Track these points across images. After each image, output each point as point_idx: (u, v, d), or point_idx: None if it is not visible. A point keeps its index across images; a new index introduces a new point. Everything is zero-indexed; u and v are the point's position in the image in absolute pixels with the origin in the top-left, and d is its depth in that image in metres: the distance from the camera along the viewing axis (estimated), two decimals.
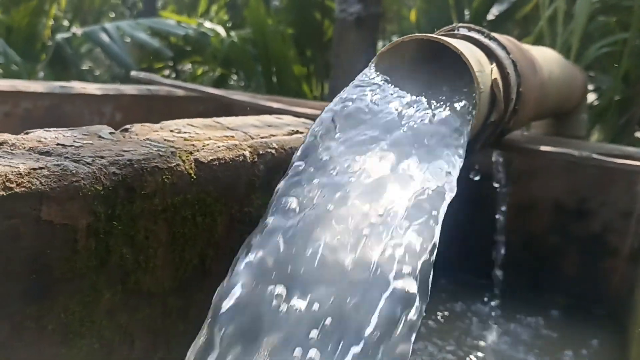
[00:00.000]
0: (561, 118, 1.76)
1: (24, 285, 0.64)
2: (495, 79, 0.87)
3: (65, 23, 4.02)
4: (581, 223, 1.62)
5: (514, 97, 0.97)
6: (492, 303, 1.49)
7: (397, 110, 0.79)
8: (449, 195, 0.64)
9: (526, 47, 1.24)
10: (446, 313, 1.50)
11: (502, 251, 1.38)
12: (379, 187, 0.66)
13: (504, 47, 0.96)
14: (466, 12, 3.12)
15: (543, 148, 1.20)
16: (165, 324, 0.82)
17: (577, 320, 1.53)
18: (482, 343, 1.37)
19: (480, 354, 1.32)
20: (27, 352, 0.65)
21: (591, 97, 2.73)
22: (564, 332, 1.46)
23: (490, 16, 3.16)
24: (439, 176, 0.66)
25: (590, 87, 2.67)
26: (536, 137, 1.64)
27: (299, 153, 0.75)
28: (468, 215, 1.52)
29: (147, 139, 0.82)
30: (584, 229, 1.61)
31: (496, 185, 1.28)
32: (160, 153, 0.77)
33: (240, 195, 0.88)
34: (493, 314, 1.50)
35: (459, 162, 0.69)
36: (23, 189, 0.62)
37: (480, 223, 1.51)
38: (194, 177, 0.80)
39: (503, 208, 1.32)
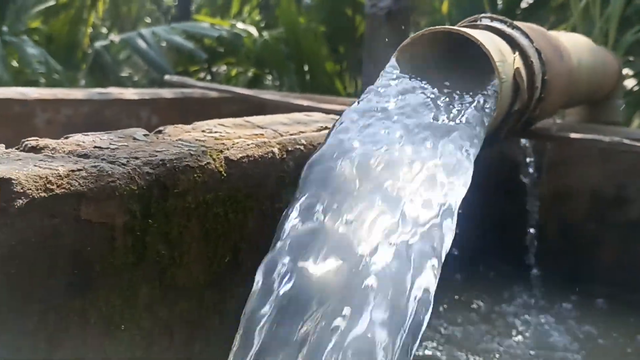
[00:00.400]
0: (596, 104, 1.74)
1: (68, 280, 0.68)
2: (518, 68, 0.87)
3: (104, 30, 4.13)
4: (620, 210, 1.60)
5: (539, 86, 0.97)
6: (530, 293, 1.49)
7: (418, 101, 0.80)
8: (464, 188, 0.65)
9: (554, 34, 1.24)
10: (481, 305, 1.50)
11: (534, 242, 1.37)
12: (395, 177, 0.68)
13: (527, 36, 0.96)
14: (499, 2, 3.09)
15: (573, 135, 1.19)
16: (203, 317, 0.85)
17: (619, 310, 1.50)
18: (516, 339, 1.35)
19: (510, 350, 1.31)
20: (72, 344, 0.69)
21: (631, 83, 2.66)
22: (606, 324, 1.44)
23: (524, 4, 3.11)
24: (453, 168, 0.67)
25: (630, 72, 2.60)
26: (569, 124, 1.62)
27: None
28: (502, 204, 1.51)
29: (179, 139, 0.85)
30: (622, 216, 1.59)
31: (526, 174, 1.28)
32: (192, 152, 0.80)
33: (270, 192, 0.91)
34: (531, 302, 1.49)
35: (473, 153, 0.70)
36: (63, 190, 0.66)
37: (514, 213, 1.51)
38: (225, 174, 0.83)
39: (533, 197, 1.32)
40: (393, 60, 0.87)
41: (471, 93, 0.82)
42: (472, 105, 0.78)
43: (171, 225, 0.77)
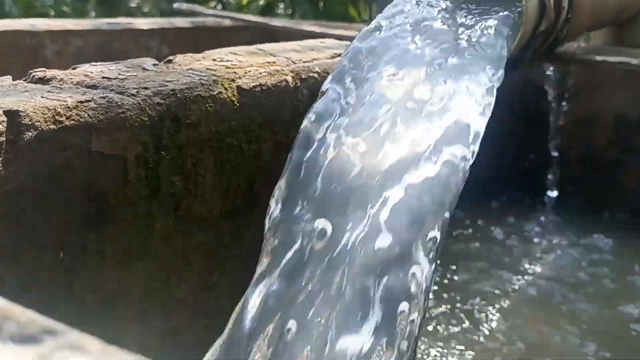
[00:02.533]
0: (623, 26, 1.66)
1: (82, 213, 0.67)
2: None
3: None
4: None
5: (566, 6, 0.92)
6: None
7: (438, 19, 0.76)
8: (488, 111, 0.63)
9: None
10: (500, 234, 1.49)
11: (555, 170, 1.35)
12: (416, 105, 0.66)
13: None
14: None
15: (599, 58, 1.14)
16: (219, 247, 0.85)
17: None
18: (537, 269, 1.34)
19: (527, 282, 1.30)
20: (90, 277, 0.69)
21: None
22: (630, 252, 1.42)
23: None
24: (477, 91, 0.64)
25: None
26: (595, 47, 1.56)
27: None
28: (523, 131, 1.48)
29: (190, 68, 0.83)
30: None
31: (549, 99, 1.24)
32: (202, 82, 0.78)
33: (285, 121, 0.89)
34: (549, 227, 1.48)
35: (499, 76, 0.66)
36: (72, 122, 0.64)
37: (536, 139, 1.48)
38: (237, 104, 0.81)
39: (557, 123, 1.28)
40: None
41: (495, 12, 0.78)
42: (497, 25, 0.74)
43: (184, 157, 0.76)
